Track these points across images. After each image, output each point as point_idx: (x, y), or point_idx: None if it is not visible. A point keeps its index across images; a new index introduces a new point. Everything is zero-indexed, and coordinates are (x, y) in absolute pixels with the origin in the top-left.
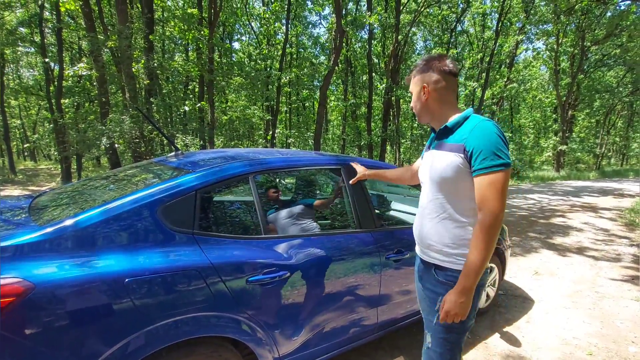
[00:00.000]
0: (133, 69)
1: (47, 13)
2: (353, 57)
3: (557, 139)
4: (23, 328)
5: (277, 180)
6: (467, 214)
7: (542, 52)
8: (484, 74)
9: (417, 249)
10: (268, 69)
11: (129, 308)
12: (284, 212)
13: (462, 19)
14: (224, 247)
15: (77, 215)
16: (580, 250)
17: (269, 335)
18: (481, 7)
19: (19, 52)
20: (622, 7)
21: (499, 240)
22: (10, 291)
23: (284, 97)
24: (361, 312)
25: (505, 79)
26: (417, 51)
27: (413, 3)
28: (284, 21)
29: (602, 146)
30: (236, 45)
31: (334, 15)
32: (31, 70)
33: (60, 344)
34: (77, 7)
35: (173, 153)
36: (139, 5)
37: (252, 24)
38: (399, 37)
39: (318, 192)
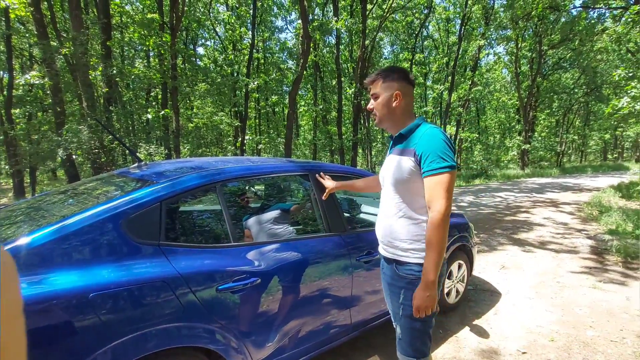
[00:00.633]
0: (90, 77)
1: None
2: (322, 62)
3: (521, 138)
4: None
5: (248, 187)
6: (421, 212)
7: (502, 57)
8: (449, 78)
9: (380, 247)
10: (235, 75)
11: (95, 323)
12: (260, 217)
13: (426, 24)
14: (191, 256)
15: (37, 232)
16: (543, 244)
17: (242, 342)
18: (444, 13)
19: None
20: (574, 14)
21: (467, 239)
22: None
23: (252, 103)
24: (335, 314)
25: (470, 82)
26: (385, 56)
27: (378, 9)
28: (249, 26)
29: (562, 144)
30: (201, 50)
31: (300, 20)
32: None
33: None
34: (28, 13)
35: (135, 164)
36: (95, 11)
37: (217, 29)
38: (366, 42)
39: (290, 197)
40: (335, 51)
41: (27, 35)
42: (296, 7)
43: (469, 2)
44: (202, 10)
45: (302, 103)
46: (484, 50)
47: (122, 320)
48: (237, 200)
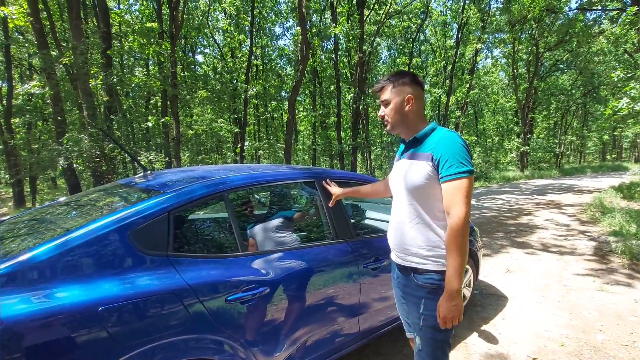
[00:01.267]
0: (90, 86)
1: None
2: (320, 67)
3: (520, 140)
4: None
5: (251, 195)
6: (438, 218)
7: (499, 59)
8: (447, 81)
9: (393, 255)
10: (234, 82)
11: (104, 338)
12: (263, 226)
13: (423, 28)
14: (200, 267)
15: (44, 244)
16: (547, 247)
17: (251, 353)
18: (441, 17)
19: None
20: (571, 16)
21: (472, 242)
22: None
23: (251, 109)
24: (343, 322)
25: (468, 85)
26: (382, 60)
27: (376, 15)
28: (247, 33)
29: (560, 145)
30: (199, 58)
31: (298, 27)
32: None
33: None
34: (27, 23)
35: (141, 174)
36: (94, 20)
37: (215, 36)
38: (364, 47)
39: (293, 205)
40: (333, 57)
41: (26, 45)
42: (294, 14)
43: (466, 7)
44: (200, 18)
45: (301, 108)
46: (481, 53)
47: (131, 334)
48: (242, 208)
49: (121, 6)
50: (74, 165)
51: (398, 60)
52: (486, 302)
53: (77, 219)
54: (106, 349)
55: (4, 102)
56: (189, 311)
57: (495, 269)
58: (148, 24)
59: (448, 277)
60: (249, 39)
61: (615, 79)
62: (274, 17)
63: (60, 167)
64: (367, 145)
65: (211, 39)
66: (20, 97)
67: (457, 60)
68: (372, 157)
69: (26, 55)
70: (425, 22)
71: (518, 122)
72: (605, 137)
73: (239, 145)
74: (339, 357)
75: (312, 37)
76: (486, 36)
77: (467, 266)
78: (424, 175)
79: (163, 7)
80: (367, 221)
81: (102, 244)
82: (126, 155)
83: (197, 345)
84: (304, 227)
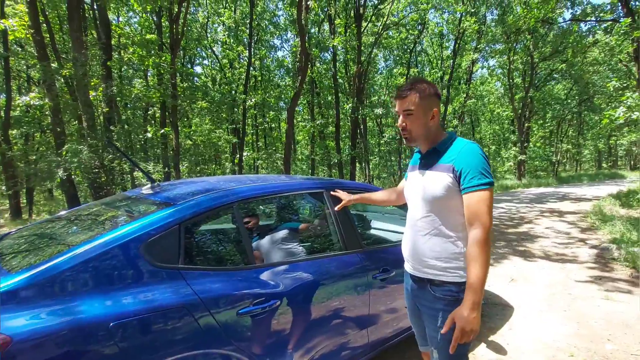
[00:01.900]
0: (90, 97)
1: None
2: (318, 78)
3: (517, 149)
4: None
5: (259, 207)
6: (457, 229)
7: (495, 70)
8: (444, 91)
9: (408, 265)
10: (233, 92)
11: (114, 354)
12: (269, 238)
13: (420, 39)
14: (211, 280)
15: (54, 258)
16: (549, 255)
17: None
18: (437, 28)
19: None
20: (565, 27)
21: None
22: None
23: (250, 119)
24: (352, 334)
25: (465, 95)
26: (380, 71)
27: (373, 27)
28: (246, 45)
29: (557, 154)
30: (198, 69)
31: (297, 38)
32: None
33: None
34: (28, 35)
35: (148, 185)
36: (94, 32)
37: (214, 48)
38: (362, 58)
39: (299, 215)
40: (332, 68)
41: (25, 57)
42: (293, 26)
43: (463, 19)
44: (199, 30)
45: (299, 119)
46: (477, 64)
47: (142, 349)
48: (250, 220)
49: (120, 19)
50: (72, 177)
51: (395, 70)
52: (492, 312)
53: (87, 232)
54: None
55: (2, 113)
56: (200, 325)
57: (500, 278)
58: (148, 36)
59: (472, 288)
60: (247, 51)
61: (612, 89)
62: (272, 29)
63: (58, 178)
64: (365, 155)
65: (210, 50)
66: (19, 108)
67: (454, 70)
68: (371, 166)
69: (24, 67)
70: (422, 34)
71: (514, 131)
72: (601, 145)
73: (237, 155)
74: None
75: (310, 49)
76: (482, 46)
77: None
78: (444, 186)
79: (163, 20)
80: (372, 231)
81: (114, 258)
82: (125, 166)
83: None
84: (311, 238)
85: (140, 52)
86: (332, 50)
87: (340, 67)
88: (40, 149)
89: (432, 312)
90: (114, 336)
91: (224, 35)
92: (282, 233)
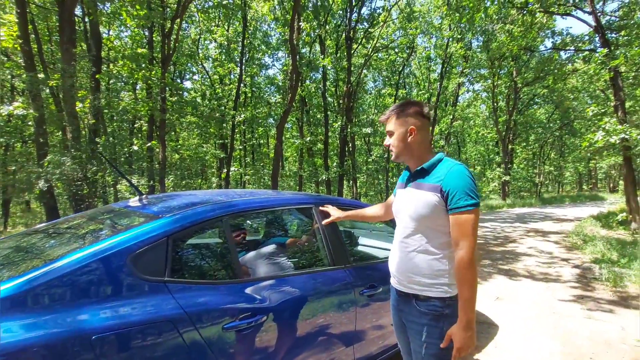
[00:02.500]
0: (77, 108)
1: None
2: (308, 96)
3: (501, 170)
4: None
5: (247, 221)
6: (443, 247)
7: (480, 93)
8: (432, 112)
9: (394, 281)
10: (222, 108)
11: None
12: (256, 253)
13: (408, 62)
14: (197, 293)
15: (37, 269)
16: (533, 274)
17: None
18: (425, 52)
19: None
20: (546, 55)
21: None
22: None
23: (238, 135)
24: (338, 351)
25: (451, 117)
26: (369, 91)
27: (363, 48)
28: (237, 62)
29: (540, 175)
30: (188, 84)
31: (288, 57)
32: None
33: None
34: (16, 45)
35: (136, 198)
36: (83, 45)
37: (205, 64)
38: (352, 78)
39: (286, 230)
40: (322, 87)
41: (11, 67)
42: (284, 45)
43: (449, 44)
44: (191, 45)
45: (288, 135)
46: (463, 87)
47: None
48: (238, 234)
49: (111, 32)
50: (53, 189)
51: (384, 91)
52: (478, 330)
53: (74, 243)
54: None
55: None
56: (184, 340)
57: (485, 296)
58: (139, 50)
59: (464, 307)
60: (238, 68)
61: (591, 114)
62: (264, 48)
63: (38, 190)
64: (353, 173)
65: (201, 66)
66: (0, 117)
67: (441, 92)
68: (358, 184)
69: (9, 77)
70: (411, 57)
71: (499, 152)
72: (581, 168)
73: (225, 170)
74: None
75: (301, 68)
76: (467, 71)
77: None
78: (431, 205)
79: (154, 35)
80: (360, 247)
81: (100, 269)
82: (108, 179)
83: None
84: (299, 253)
85: (131, 65)
86: (322, 69)
87: (330, 86)
88: (20, 159)
89: (417, 327)
90: (95, 350)
91: (216, 52)
92: (270, 248)
